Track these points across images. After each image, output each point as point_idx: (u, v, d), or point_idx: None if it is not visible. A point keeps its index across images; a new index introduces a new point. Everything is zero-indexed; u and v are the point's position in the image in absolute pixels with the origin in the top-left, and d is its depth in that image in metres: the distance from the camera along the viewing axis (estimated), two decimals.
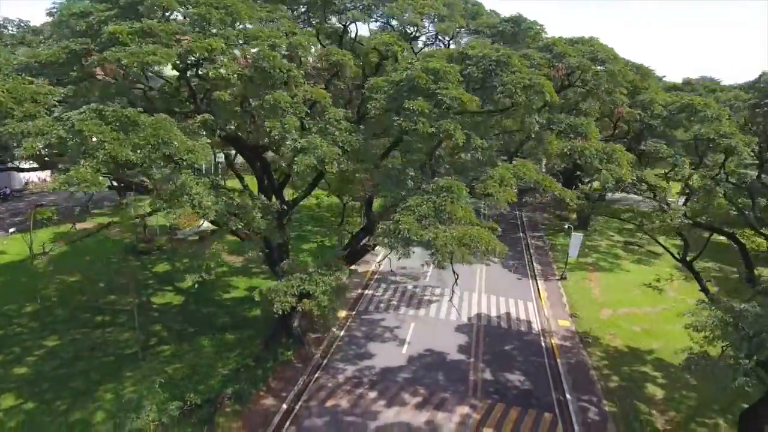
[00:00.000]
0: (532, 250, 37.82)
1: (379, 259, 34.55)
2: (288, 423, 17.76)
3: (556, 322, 26.48)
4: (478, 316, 26.94)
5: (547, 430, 18.13)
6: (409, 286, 30.23)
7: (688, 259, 24.30)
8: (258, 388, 19.20)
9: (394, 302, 27.89)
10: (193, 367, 20.24)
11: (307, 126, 15.95)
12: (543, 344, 24.41)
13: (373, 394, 19.47)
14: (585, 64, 20.55)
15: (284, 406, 18.49)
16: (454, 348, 23.38)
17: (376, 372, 21.05)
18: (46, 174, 43.16)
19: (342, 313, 25.91)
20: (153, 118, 13.23)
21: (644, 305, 29.06)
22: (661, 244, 27.56)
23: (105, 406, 17.74)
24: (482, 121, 19.21)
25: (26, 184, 45.12)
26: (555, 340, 24.59)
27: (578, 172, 43.44)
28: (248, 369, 20.08)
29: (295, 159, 14.72)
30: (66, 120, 12.41)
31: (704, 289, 22.88)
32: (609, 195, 44.74)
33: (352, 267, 33.83)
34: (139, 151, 12.46)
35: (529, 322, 26.55)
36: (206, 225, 37.06)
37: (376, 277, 31.44)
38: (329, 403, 18.84)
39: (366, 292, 29.07)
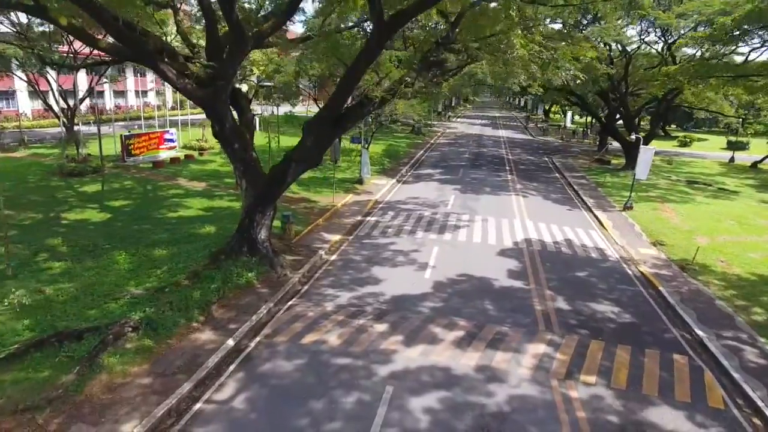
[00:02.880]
0: (575, 187, 30.00)
1: (385, 189, 26.82)
2: (233, 366, 10.02)
3: (636, 251, 18.68)
4: (527, 241, 19.14)
5: (689, 378, 10.36)
6: (426, 213, 22.43)
7: None
8: (191, 317, 11.43)
9: (407, 227, 20.09)
10: (89, 286, 12.43)
11: None
12: (629, 272, 16.63)
13: (381, 327, 11.71)
14: None
15: (230, 342, 10.72)
16: (502, 273, 15.60)
17: (386, 300, 13.28)
18: None
19: (334, 237, 18.14)
20: None
21: (746, 235, 21.27)
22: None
23: None
24: None
25: None
26: (644, 268, 16.80)
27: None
28: (177, 290, 12.32)
29: None
30: None
31: None
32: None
33: (347, 196, 26.34)
34: None
35: (600, 249, 18.77)
36: (168, 154, 29.52)
37: (380, 206, 23.63)
38: (307, 340, 11.07)
39: (367, 218, 21.28)
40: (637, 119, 35.77)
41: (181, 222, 18.26)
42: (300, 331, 11.42)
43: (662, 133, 61.61)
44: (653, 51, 36.88)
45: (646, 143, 37.25)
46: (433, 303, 13.18)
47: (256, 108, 52.57)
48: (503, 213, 23.08)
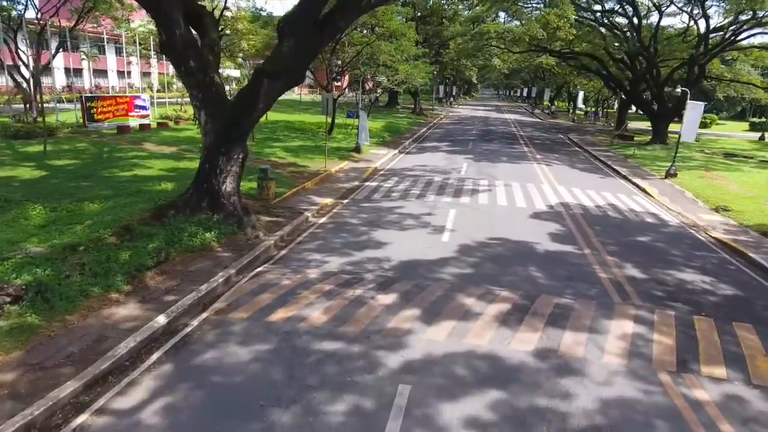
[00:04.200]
0: (602, 159, 26.37)
1: (387, 158, 23.26)
2: (157, 355, 6.36)
3: (697, 216, 15.06)
4: (564, 204, 15.49)
5: None
6: (437, 178, 18.77)
7: None
8: (110, 285, 7.75)
9: (415, 191, 16.44)
10: None
11: None
12: (701, 237, 13.03)
13: (387, 299, 8.05)
14: None
15: (160, 319, 7.03)
16: (542, 236, 11.95)
17: (393, 266, 9.61)
18: None
19: (325, 200, 14.49)
20: None
21: None
22: None
23: None
24: None
25: None
26: (717, 234, 13.19)
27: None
28: (97, 249, 8.65)
29: None
30: None
31: None
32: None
33: (343, 163, 22.83)
34: None
35: (653, 214, 15.15)
36: (138, 123, 25.87)
37: (382, 172, 19.98)
38: (278, 316, 7.39)
39: (367, 183, 17.63)
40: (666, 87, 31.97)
41: (134, 181, 14.56)
42: (268, 305, 7.75)
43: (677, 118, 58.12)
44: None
45: (675, 114, 33.81)
46: (457, 269, 9.52)
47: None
48: (528, 179, 19.45)
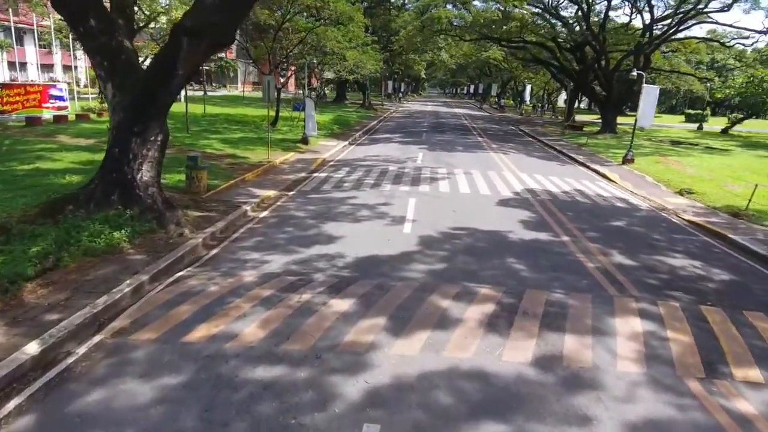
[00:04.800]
0: (557, 147, 25.88)
1: (337, 149, 21.65)
2: (15, 402, 4.42)
3: (663, 200, 14.42)
4: (530, 191, 14.42)
5: None
6: (392, 168, 17.30)
7: None
8: None
9: (369, 181, 14.88)
10: None
11: None
12: (675, 221, 12.27)
13: (343, 305, 6.41)
14: None
15: (32, 347, 5.07)
16: (514, 224, 10.70)
17: (348, 263, 7.97)
18: None
19: (268, 192, 12.67)
20: None
21: None
22: None
23: None
24: None
25: None
26: (691, 217, 12.48)
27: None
28: None
29: None
30: None
31: None
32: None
33: (288, 154, 20.89)
34: None
35: (622, 199, 14.35)
36: (51, 114, 22.82)
37: (331, 163, 18.29)
38: (198, 334, 5.59)
39: (315, 174, 15.91)
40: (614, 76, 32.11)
41: (33, 175, 12.11)
42: (187, 320, 5.94)
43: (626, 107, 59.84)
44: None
45: (624, 102, 34.10)
46: (425, 265, 8.03)
47: None
48: (488, 166, 18.37)
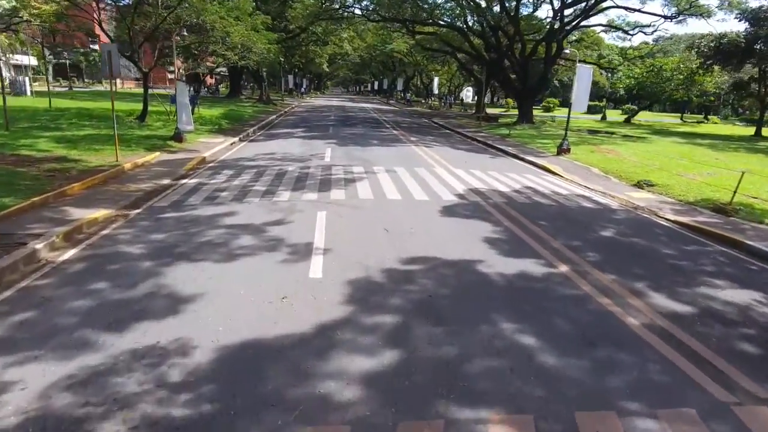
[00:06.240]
0: (479, 139, 23.24)
1: (221, 147, 17.01)
2: None
3: (627, 196, 11.86)
4: (476, 192, 11.04)
5: None
6: (291, 168, 13.12)
7: None
8: None
9: (258, 187, 10.59)
10: None
11: None
12: (664, 224, 9.54)
13: None
14: None
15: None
16: (481, 247, 7.08)
17: (198, 371, 3.77)
18: None
19: (94, 213, 7.92)
20: None
21: (727, 169, 16.03)
22: None
23: None
24: None
25: None
26: (677, 217, 9.86)
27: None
28: None
29: None
30: None
31: None
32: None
33: (151, 155, 15.67)
34: None
35: (585, 197, 11.51)
36: None
37: (210, 165, 13.66)
38: None
39: (183, 181, 11.26)
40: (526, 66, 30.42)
41: None
42: None
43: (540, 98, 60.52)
44: None
45: (539, 92, 32.67)
46: (362, 359, 4.06)
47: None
48: (413, 162, 14.86)
